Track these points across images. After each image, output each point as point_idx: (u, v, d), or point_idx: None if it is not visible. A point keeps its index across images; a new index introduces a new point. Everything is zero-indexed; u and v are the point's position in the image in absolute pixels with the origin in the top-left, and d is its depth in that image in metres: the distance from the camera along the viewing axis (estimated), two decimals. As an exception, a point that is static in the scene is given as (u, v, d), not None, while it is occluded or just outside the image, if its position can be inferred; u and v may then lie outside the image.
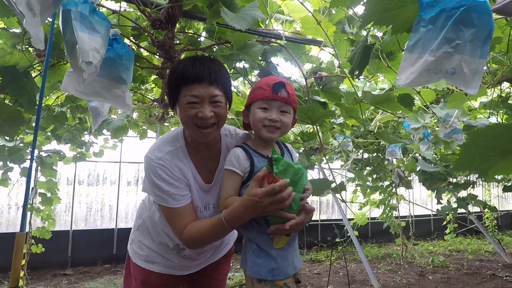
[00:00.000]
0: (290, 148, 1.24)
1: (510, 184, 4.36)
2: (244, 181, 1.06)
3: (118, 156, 5.06)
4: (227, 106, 1.10)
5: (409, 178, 4.68)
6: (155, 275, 1.26)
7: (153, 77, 2.57)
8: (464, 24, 0.68)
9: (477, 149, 0.81)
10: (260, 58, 2.05)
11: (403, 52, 0.81)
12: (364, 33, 1.49)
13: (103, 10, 1.49)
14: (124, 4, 1.61)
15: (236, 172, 1.05)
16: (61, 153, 3.53)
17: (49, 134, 3.00)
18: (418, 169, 4.19)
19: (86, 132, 3.42)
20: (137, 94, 2.99)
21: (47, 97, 2.42)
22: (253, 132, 1.15)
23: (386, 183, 4.82)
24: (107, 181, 5.23)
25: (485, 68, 1.66)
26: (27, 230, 3.31)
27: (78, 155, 3.91)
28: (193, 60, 1.04)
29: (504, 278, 4.03)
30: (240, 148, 1.09)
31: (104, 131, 3.66)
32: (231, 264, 4.66)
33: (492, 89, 2.41)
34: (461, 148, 0.82)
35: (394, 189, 4.71)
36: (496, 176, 4.71)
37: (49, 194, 3.40)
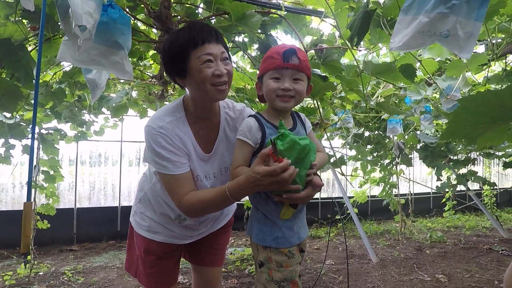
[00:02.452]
0: (303, 117, 1.22)
1: (509, 160, 4.37)
2: (256, 151, 1.07)
3: (119, 136, 5.07)
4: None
5: (409, 155, 4.71)
6: (157, 244, 1.29)
7: (151, 52, 2.53)
8: (465, -20, 0.66)
9: (467, 116, 0.80)
10: (259, 31, 2.01)
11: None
12: None
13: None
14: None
15: (248, 143, 1.05)
16: (62, 132, 3.54)
17: (49, 112, 3.00)
18: (418, 146, 4.20)
19: (85, 111, 3.41)
20: (136, 70, 2.95)
21: (44, 73, 2.40)
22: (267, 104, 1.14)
23: (387, 161, 4.84)
24: (109, 160, 5.27)
25: (488, 39, 1.62)
26: (32, 203, 3.38)
27: (79, 134, 3.92)
28: (190, 26, 1.05)
29: (500, 252, 4.11)
30: (253, 118, 1.08)
31: (104, 110, 3.64)
32: (232, 240, 4.77)
33: (494, 62, 2.36)
34: (451, 116, 0.81)
35: (394, 166, 4.73)
36: (496, 152, 4.71)
37: (52, 172, 3.43)
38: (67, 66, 2.52)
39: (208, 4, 1.77)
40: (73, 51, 1.02)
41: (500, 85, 2.67)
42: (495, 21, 1.42)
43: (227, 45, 2.03)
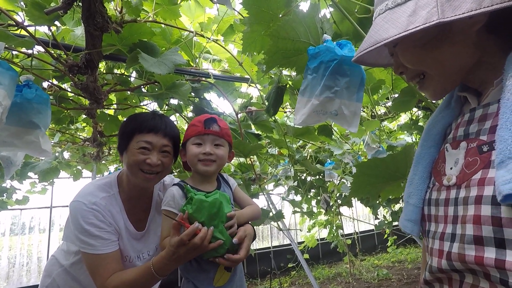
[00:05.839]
0: (226, 176, 1.26)
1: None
2: None
3: (49, 201, 4.60)
4: (173, 159, 1.15)
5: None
6: None
7: (84, 116, 2.48)
8: (339, 74, 0.81)
9: (365, 178, 0.94)
10: (193, 94, 2.11)
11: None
12: (284, 72, 1.65)
13: (17, 53, 1.44)
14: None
15: (173, 212, 1.04)
16: (-24, 203, 3.12)
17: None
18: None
19: (7, 179, 3.09)
20: (66, 134, 2.82)
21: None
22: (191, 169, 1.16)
23: (331, 203, 5.08)
24: (35, 229, 4.69)
25: (384, 105, 1.93)
26: None
27: (-3, 204, 3.49)
28: (152, 114, 1.13)
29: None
30: (176, 187, 1.09)
31: (32, 174, 3.35)
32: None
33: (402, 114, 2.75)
34: (353, 178, 0.94)
35: (337, 209, 4.97)
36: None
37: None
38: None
39: (139, 73, 1.84)
40: (-19, 133, 0.98)
41: (410, 132, 3.11)
42: (379, 93, 1.71)
43: (161, 109, 2.08)
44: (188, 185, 1.05)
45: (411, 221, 0.63)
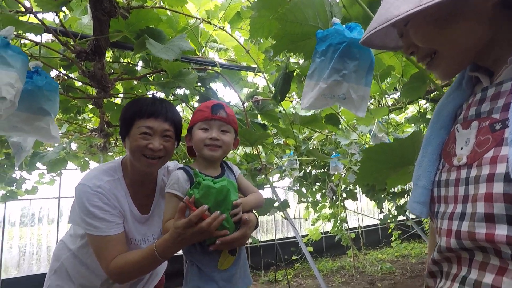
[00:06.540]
0: (230, 164, 1.26)
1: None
2: None
3: (57, 191, 4.67)
4: (175, 143, 1.15)
5: (354, 190, 5.00)
6: None
7: (91, 106, 2.49)
8: (348, 57, 0.81)
9: (372, 163, 0.93)
10: (199, 84, 2.11)
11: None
12: (292, 59, 1.64)
13: (26, 41, 1.45)
14: (50, 34, 1.58)
15: (176, 195, 1.04)
16: (-14, 192, 3.18)
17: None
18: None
19: (16, 168, 3.14)
20: (73, 124, 2.85)
21: (-34, 132, 2.21)
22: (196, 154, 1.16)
23: (335, 197, 5.08)
24: (44, 219, 4.77)
25: (394, 94, 1.91)
26: None
27: (7, 194, 3.55)
28: (152, 99, 1.13)
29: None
30: (181, 170, 1.09)
31: (40, 165, 3.39)
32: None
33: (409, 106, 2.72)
34: (360, 164, 0.93)
35: (342, 202, 4.97)
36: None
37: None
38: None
39: (146, 62, 1.84)
40: (-7, 118, 0.99)
41: (417, 125, 3.08)
42: (397, 76, 1.69)
43: (168, 98, 2.09)
44: (196, 169, 1.05)
45: (420, 203, 0.63)
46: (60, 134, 3.41)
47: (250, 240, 4.14)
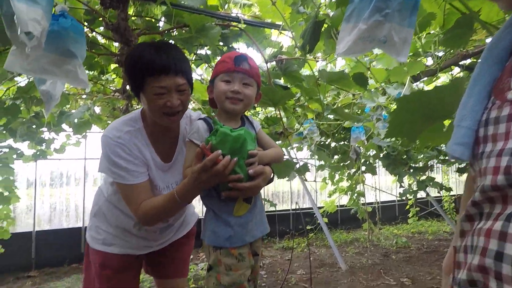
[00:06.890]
0: (251, 118, 1.25)
1: (462, 166, 4.70)
2: None
3: (83, 153, 4.86)
4: (190, 90, 1.13)
5: (374, 164, 4.91)
6: (113, 257, 1.25)
7: (113, 66, 2.50)
8: (392, -6, 0.74)
9: (406, 115, 0.87)
10: (221, 43, 2.06)
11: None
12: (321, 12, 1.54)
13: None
14: (75, -16, 1.56)
15: (196, 143, 1.05)
16: (19, 151, 3.35)
17: (2, 129, 2.83)
18: (381, 155, 4.40)
19: (44, 129, 3.26)
20: (98, 85, 2.89)
21: (-3, 87, 2.29)
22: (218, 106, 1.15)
23: (353, 170, 5.02)
24: (71, 179, 5.01)
25: (431, 52, 1.78)
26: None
27: (38, 153, 3.73)
28: (156, 48, 1.03)
29: (460, 253, 4.34)
30: (202, 121, 1.10)
31: (66, 127, 3.51)
32: (204, 256, 4.65)
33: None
34: (392, 115, 0.88)
35: (360, 175, 4.91)
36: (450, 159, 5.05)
37: (6, 193, 3.22)
38: (21, 80, 2.42)
39: (168, 17, 1.80)
40: (22, 60, 1.00)
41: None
42: (435, 34, 1.57)
43: (190, 56, 2.05)
44: (216, 118, 1.05)
45: (462, 144, 0.58)
46: (84, 97, 3.49)
47: (269, 207, 4.20)
